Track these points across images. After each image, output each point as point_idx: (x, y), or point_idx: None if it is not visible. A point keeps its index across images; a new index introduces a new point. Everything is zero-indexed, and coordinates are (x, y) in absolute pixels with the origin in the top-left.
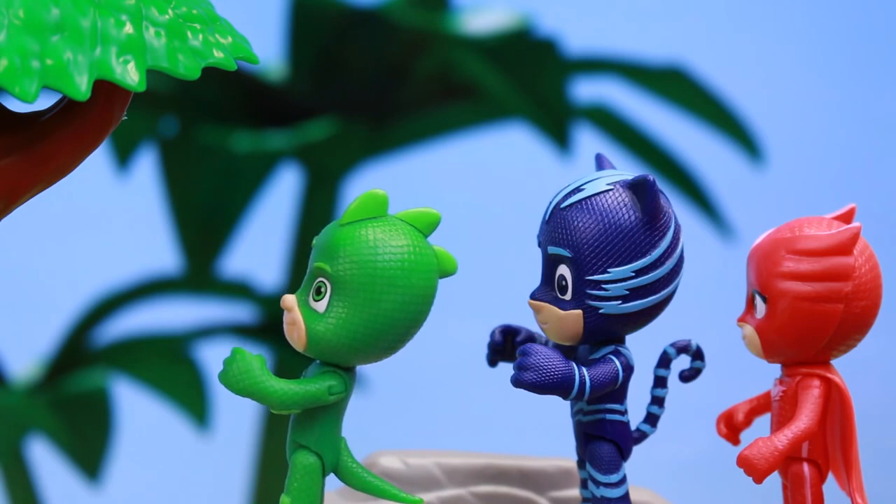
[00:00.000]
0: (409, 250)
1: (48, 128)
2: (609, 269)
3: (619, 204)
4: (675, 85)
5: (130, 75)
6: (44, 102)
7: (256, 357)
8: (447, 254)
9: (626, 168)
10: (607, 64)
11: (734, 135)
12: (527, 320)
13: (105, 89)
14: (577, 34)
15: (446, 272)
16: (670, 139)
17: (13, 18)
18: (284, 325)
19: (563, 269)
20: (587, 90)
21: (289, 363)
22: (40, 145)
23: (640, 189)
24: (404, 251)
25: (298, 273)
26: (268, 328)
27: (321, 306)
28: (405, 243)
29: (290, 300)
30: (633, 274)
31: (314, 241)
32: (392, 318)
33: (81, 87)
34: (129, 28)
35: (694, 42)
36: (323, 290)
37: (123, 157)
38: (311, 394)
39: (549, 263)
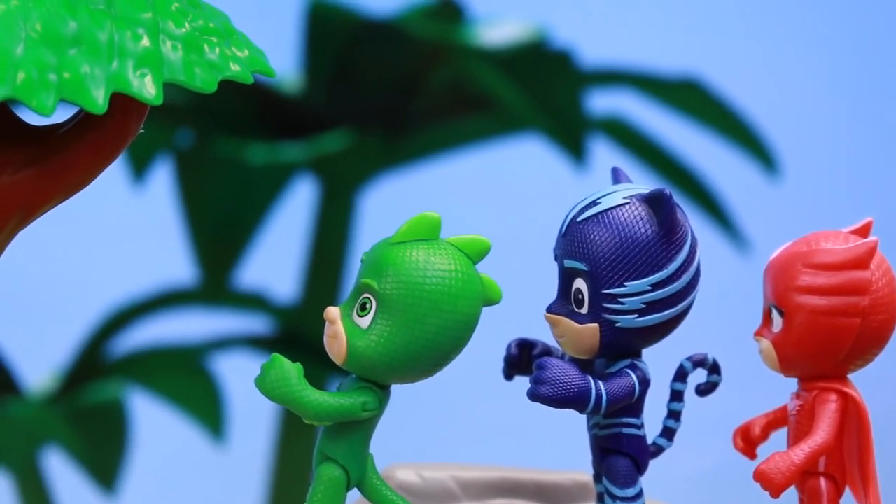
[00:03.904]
0: (457, 276)
1: (65, 141)
2: (626, 283)
3: (635, 217)
4: (691, 97)
5: (147, 89)
6: (61, 115)
7: (294, 366)
8: (493, 282)
9: (642, 181)
10: (622, 76)
11: (750, 147)
12: (543, 333)
13: (122, 102)
14: (593, 46)
15: (491, 300)
16: (686, 151)
17: (31, 32)
18: (325, 338)
19: (580, 283)
20: (602, 102)
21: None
22: (57, 158)
23: (656, 203)
24: (452, 276)
25: (313, 285)
26: (283, 340)
27: (365, 322)
28: (453, 268)
29: (333, 312)
30: (650, 288)
31: (363, 257)
32: (434, 342)
33: (98, 100)
34: (145, 41)
35: (709, 54)
36: (368, 306)
37: (139, 168)
38: (345, 408)
39: (566, 277)
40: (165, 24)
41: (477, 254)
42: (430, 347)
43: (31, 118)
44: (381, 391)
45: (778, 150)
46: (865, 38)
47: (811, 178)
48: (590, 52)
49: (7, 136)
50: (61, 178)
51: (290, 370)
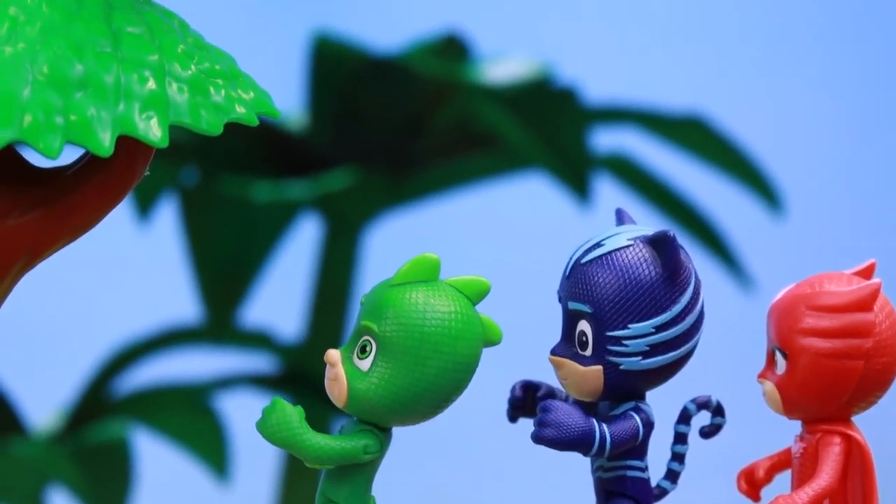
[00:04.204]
0: (457, 317)
1: (71, 183)
2: (629, 325)
3: (639, 259)
4: (695, 134)
5: (153, 131)
6: (67, 157)
7: (296, 409)
8: (493, 323)
9: (646, 220)
10: (626, 113)
11: (753, 185)
12: (547, 375)
13: (128, 144)
14: (597, 83)
15: (491, 342)
16: (690, 188)
17: (38, 74)
18: (326, 380)
19: (584, 325)
20: (606, 139)
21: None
22: (63, 200)
23: (660, 245)
24: (452, 317)
25: (318, 323)
26: (288, 378)
27: (365, 365)
28: (453, 309)
29: (334, 355)
30: (654, 330)
31: (362, 299)
32: (435, 384)
33: (105, 142)
34: (151, 84)
35: (713, 91)
36: (368, 348)
37: (144, 206)
38: (347, 451)
39: (570, 319)
40: (171, 67)
41: (477, 295)
42: (430, 389)
43: (38, 160)
44: (383, 433)
45: (782, 188)
46: (870, 76)
47: (815, 216)
48: (594, 89)
49: (13, 178)
50: (68, 220)
51: (292, 413)
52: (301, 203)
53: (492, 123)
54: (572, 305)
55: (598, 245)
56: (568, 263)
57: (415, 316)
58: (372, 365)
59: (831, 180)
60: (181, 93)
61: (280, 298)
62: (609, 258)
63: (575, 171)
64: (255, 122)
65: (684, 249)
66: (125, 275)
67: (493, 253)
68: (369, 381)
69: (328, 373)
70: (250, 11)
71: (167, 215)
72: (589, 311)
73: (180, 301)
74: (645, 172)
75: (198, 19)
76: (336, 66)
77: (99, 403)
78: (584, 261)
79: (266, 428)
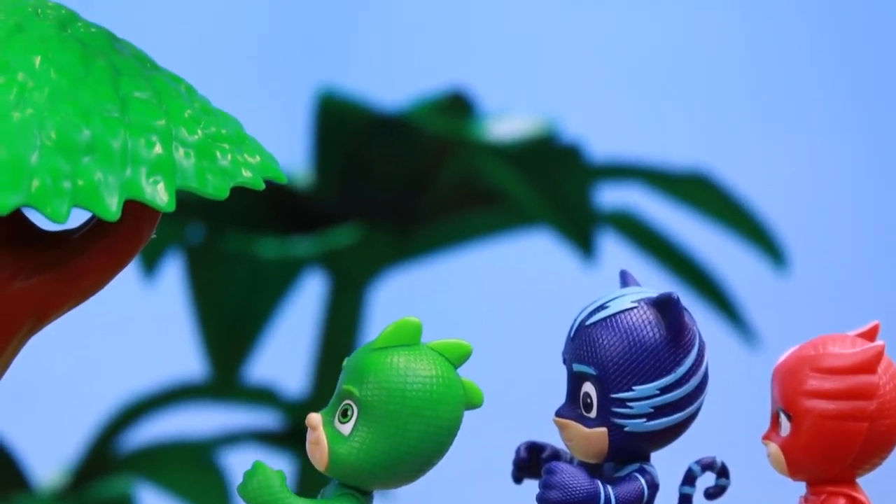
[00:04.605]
0: (438, 381)
1: (78, 246)
2: (634, 387)
3: (643, 322)
4: (699, 191)
5: (160, 196)
6: (74, 220)
7: (277, 473)
8: (475, 386)
9: (650, 276)
10: (631, 170)
11: (758, 241)
12: (552, 436)
13: (135, 208)
14: (601, 140)
15: (473, 405)
16: (694, 245)
17: (45, 139)
18: (307, 444)
19: (588, 387)
20: (611, 196)
21: (312, 472)
22: (71, 264)
23: (664, 307)
24: (433, 381)
25: (323, 380)
26: (293, 435)
27: (346, 429)
28: (435, 373)
29: (315, 419)
30: (658, 391)
31: (344, 363)
32: (416, 448)
33: (112, 207)
34: (158, 148)
35: (718, 148)
36: (349, 412)
37: (150, 263)
38: None
39: (574, 380)
40: (178, 132)
41: (458, 358)
42: (412, 454)
43: (45, 224)
44: (364, 497)
45: (786, 245)
46: (876, 133)
47: (819, 273)
48: (598, 146)
49: (21, 241)
50: (75, 283)
51: (273, 477)
52: (306, 259)
53: (496, 180)
54: (577, 367)
55: (602, 307)
56: (572, 325)
57: (396, 380)
58: (353, 429)
59: (836, 237)
60: (188, 157)
61: (285, 355)
62: (613, 320)
63: (579, 228)
64: (262, 187)
65: (688, 311)
66: (130, 331)
67: (498, 309)
68: (350, 446)
69: (309, 436)
70: (256, 68)
71: (173, 272)
72: (593, 373)
73: (185, 357)
74: (649, 229)
75: (204, 77)
76: (341, 124)
77: (104, 460)
78: (588, 323)
79: (247, 492)
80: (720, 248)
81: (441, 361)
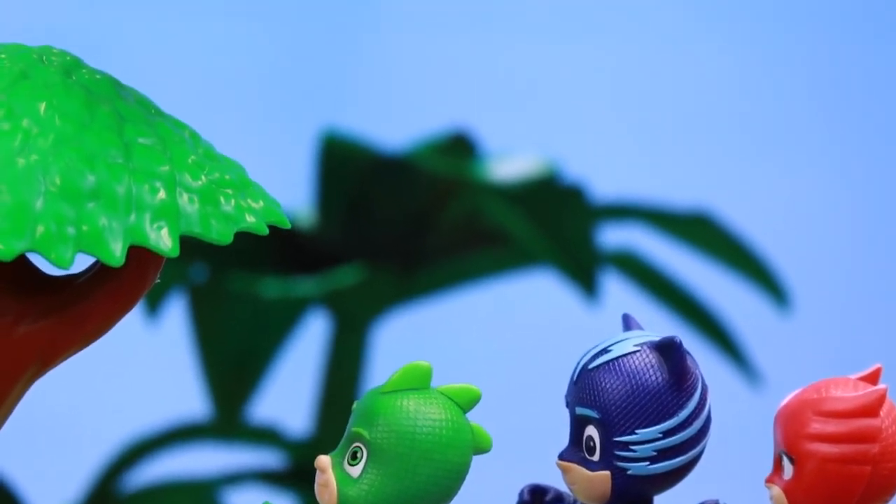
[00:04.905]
0: (448, 425)
1: (83, 291)
2: (637, 431)
3: (646, 365)
4: (701, 231)
5: (164, 241)
6: (78, 265)
7: None
8: (483, 431)
9: (653, 316)
10: (633, 210)
11: (761, 281)
12: (555, 478)
13: (139, 253)
14: (603, 180)
15: (481, 449)
16: (697, 285)
17: (50, 186)
18: (316, 486)
19: (591, 430)
20: (614, 236)
21: None
22: (75, 308)
23: (666, 350)
24: (443, 425)
25: (327, 419)
26: (296, 475)
27: (356, 471)
28: (444, 417)
29: (324, 461)
30: (661, 435)
31: (354, 406)
32: (424, 491)
33: (116, 252)
34: (162, 194)
35: (720, 188)
36: (359, 455)
37: (153, 303)
38: None
39: (577, 424)
40: (182, 177)
41: (467, 403)
42: (420, 497)
43: (49, 269)
44: None
45: (789, 285)
46: (881, 173)
47: (822, 313)
48: (601, 186)
49: (25, 286)
50: (79, 327)
51: None
52: (309, 299)
53: (499, 220)
54: (580, 411)
55: (605, 351)
56: (575, 369)
57: (406, 423)
58: (363, 471)
59: (838, 277)
60: (192, 203)
61: (288, 394)
62: (616, 364)
63: (582, 268)
64: (265, 232)
65: (690, 355)
66: (133, 371)
67: (502, 349)
68: (359, 488)
69: (318, 478)
70: (259, 109)
71: (176, 312)
72: (596, 416)
73: (188, 397)
74: (652, 269)
75: (206, 118)
76: (344, 164)
77: (106, 500)
78: (591, 366)
79: None
80: (723, 288)
81: (450, 406)
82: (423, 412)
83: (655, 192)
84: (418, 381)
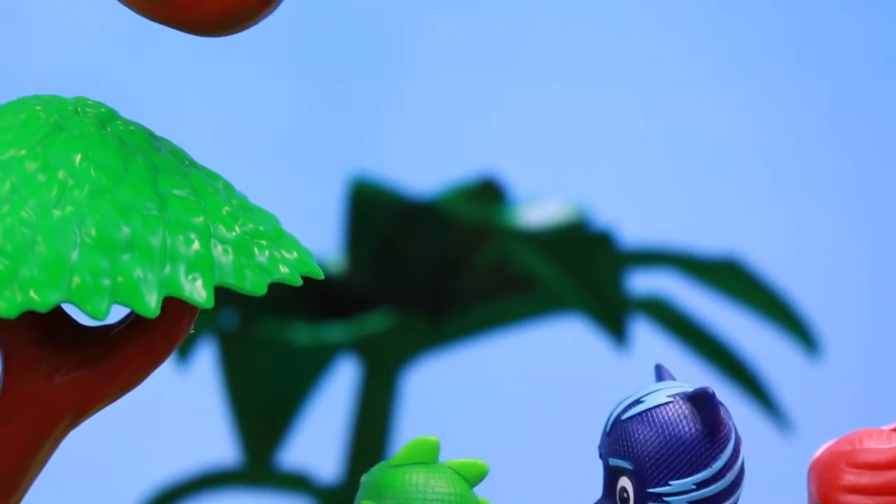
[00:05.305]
0: (456, 499)
1: (117, 342)
2: (670, 482)
3: (679, 416)
4: (731, 277)
5: (199, 292)
6: (113, 316)
7: None
8: None
9: (683, 363)
10: (662, 256)
11: (790, 327)
12: None
13: (173, 304)
14: (633, 226)
15: None
16: (727, 331)
17: (86, 237)
18: None
19: (625, 482)
20: (643, 282)
21: None
22: (109, 359)
23: (699, 402)
24: (451, 499)
25: (357, 466)
26: None
27: None
28: (452, 492)
29: None
30: (695, 486)
31: (363, 478)
32: None
33: (151, 304)
34: (197, 245)
35: (749, 233)
36: None
37: (183, 349)
38: None
39: (611, 475)
40: (217, 229)
41: (475, 477)
42: None
43: (84, 319)
44: None
45: (820, 331)
46: None
47: (854, 360)
48: (630, 231)
49: (61, 336)
50: (113, 379)
51: None
52: (339, 345)
53: (528, 266)
54: (613, 462)
55: (638, 402)
56: (608, 419)
57: (415, 496)
58: None
59: (868, 323)
60: (226, 254)
61: (318, 441)
62: (649, 415)
63: (611, 314)
64: (299, 283)
65: (724, 406)
66: (164, 417)
67: (531, 395)
68: None
69: None
70: (289, 155)
71: (206, 358)
72: (630, 467)
73: (218, 443)
74: (681, 315)
75: (237, 164)
76: (373, 210)
77: None
78: (624, 417)
79: None
80: (752, 334)
81: (458, 480)
82: (431, 486)
83: (684, 237)
84: (427, 456)
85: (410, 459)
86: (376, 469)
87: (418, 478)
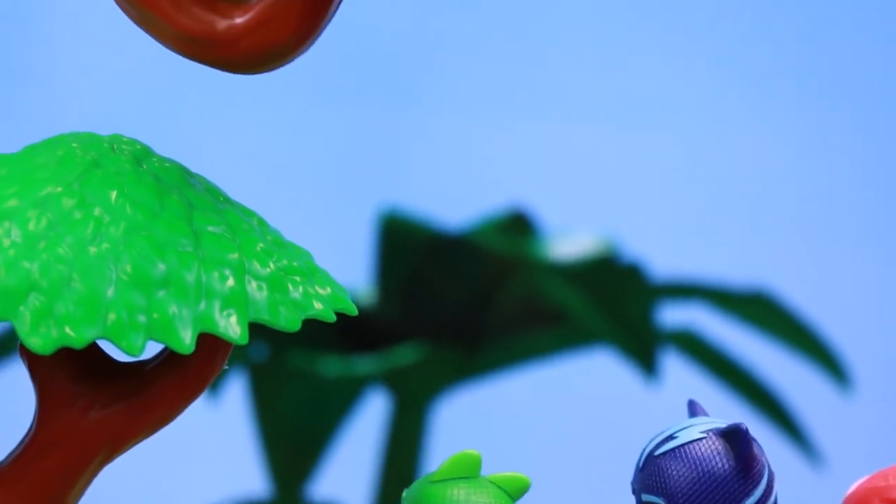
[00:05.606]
0: None
1: (151, 378)
2: None
3: (712, 452)
4: (761, 310)
5: (233, 328)
6: (148, 352)
7: None
8: None
9: (713, 396)
10: (693, 289)
11: (821, 361)
12: None
13: (208, 340)
14: (663, 259)
15: None
16: (757, 364)
17: (121, 274)
18: None
19: None
20: (673, 315)
21: None
22: (144, 395)
23: (733, 438)
24: None
25: (386, 498)
26: None
27: None
28: None
29: None
30: None
31: (403, 495)
32: None
33: (186, 340)
34: (231, 282)
35: (779, 266)
36: None
37: (214, 382)
38: None
39: None
40: (251, 265)
41: (517, 491)
42: None
43: (119, 355)
44: None
45: (850, 364)
46: None
47: (884, 393)
48: (660, 264)
49: (97, 372)
50: (148, 414)
51: None
52: (369, 378)
53: (558, 299)
54: (646, 497)
55: (671, 437)
56: (641, 455)
57: None
58: None
59: None
60: (260, 290)
61: (348, 473)
62: (682, 451)
63: (642, 347)
64: (333, 319)
65: (757, 441)
66: (194, 450)
67: (562, 428)
68: None
69: None
70: (321, 189)
71: (236, 390)
72: (663, 503)
73: (249, 475)
74: (712, 348)
75: (269, 200)
76: (404, 243)
77: None
78: (657, 453)
79: None
80: (783, 368)
81: (500, 494)
82: (473, 501)
83: (714, 270)
84: (468, 470)
85: (452, 474)
86: (417, 484)
87: (459, 493)
